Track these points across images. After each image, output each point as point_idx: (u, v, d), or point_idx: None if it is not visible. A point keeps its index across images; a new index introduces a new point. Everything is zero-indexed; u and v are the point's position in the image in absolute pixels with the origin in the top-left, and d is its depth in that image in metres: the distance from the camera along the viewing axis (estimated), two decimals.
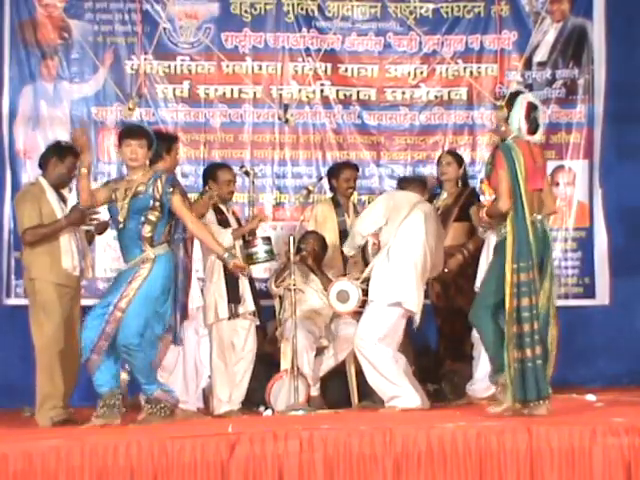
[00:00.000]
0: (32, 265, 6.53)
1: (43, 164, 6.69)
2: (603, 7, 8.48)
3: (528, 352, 5.71)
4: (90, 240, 6.83)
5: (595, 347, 8.35)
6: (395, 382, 6.56)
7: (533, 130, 5.90)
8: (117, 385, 6.10)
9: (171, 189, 6.09)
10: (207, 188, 7.05)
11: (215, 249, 6.29)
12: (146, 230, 6.06)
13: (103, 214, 6.59)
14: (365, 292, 6.71)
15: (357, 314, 6.88)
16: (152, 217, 6.07)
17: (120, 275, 6.17)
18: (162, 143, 6.66)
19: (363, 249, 7.54)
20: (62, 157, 6.62)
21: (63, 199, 6.64)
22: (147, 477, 5.10)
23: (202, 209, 6.80)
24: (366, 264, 6.88)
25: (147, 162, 6.17)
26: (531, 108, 5.88)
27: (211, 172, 7.22)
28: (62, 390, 6.41)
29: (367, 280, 6.70)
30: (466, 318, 7.15)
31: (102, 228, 6.80)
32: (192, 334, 6.83)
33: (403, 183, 7.26)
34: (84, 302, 6.76)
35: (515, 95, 5.99)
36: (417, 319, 6.73)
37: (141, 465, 5.10)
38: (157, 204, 6.07)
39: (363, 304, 6.72)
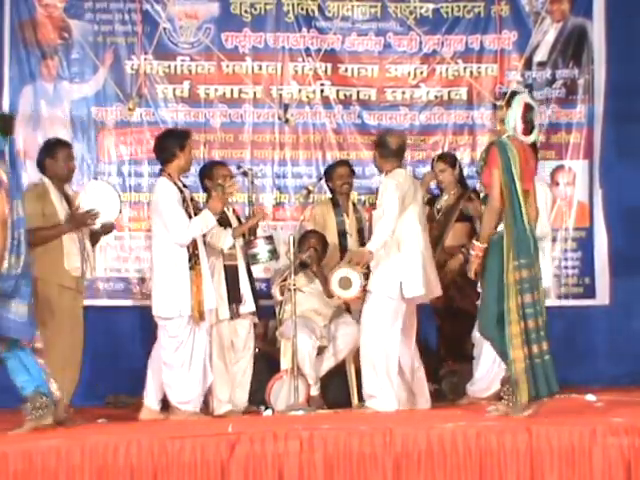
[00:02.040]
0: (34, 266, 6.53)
1: (41, 166, 6.71)
2: (603, 7, 8.48)
3: (535, 348, 5.70)
4: (96, 240, 6.80)
5: (595, 347, 8.35)
6: (380, 377, 6.52)
7: (529, 131, 5.90)
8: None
9: None
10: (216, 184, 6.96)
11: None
12: None
13: (108, 215, 6.61)
14: (366, 277, 6.65)
15: (358, 299, 6.85)
16: None
17: None
18: (174, 141, 6.57)
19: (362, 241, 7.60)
20: (54, 153, 6.65)
21: (67, 198, 6.63)
22: (147, 477, 5.11)
23: (217, 205, 6.55)
24: None
25: None
26: (528, 109, 5.88)
27: (206, 170, 7.19)
28: (63, 390, 6.39)
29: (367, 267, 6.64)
30: (466, 318, 7.19)
31: (108, 229, 6.80)
32: (204, 335, 6.60)
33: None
34: (85, 302, 6.77)
35: (513, 95, 5.98)
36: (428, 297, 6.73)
37: (141, 465, 5.10)
38: None
39: (364, 290, 6.67)
